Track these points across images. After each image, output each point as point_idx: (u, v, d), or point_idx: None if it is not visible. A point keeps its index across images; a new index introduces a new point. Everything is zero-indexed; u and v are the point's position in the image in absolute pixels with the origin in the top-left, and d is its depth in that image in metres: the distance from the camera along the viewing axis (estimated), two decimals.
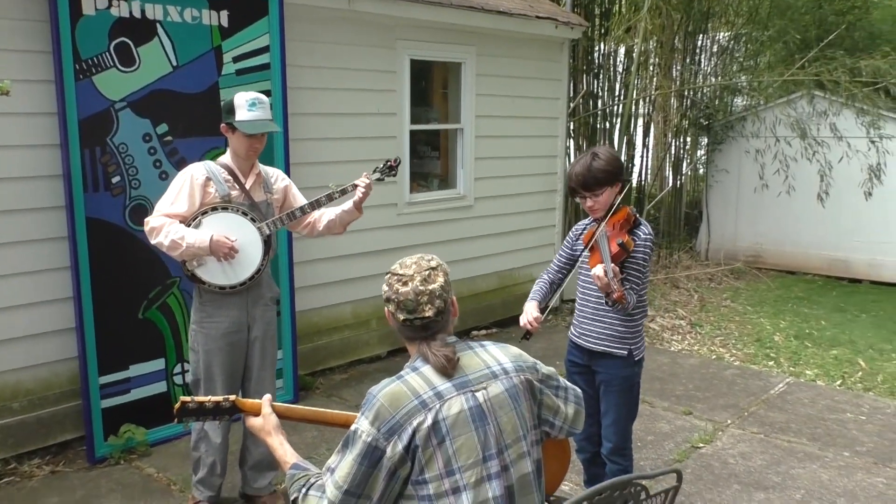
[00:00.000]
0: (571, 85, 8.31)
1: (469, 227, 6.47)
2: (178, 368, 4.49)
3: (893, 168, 8.12)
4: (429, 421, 1.79)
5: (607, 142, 9.50)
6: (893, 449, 4.41)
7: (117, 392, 4.24)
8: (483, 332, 6.70)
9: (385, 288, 1.98)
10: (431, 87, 6.69)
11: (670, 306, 7.64)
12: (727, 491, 3.89)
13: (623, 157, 9.28)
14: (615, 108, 9.46)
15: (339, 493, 1.80)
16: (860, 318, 7.34)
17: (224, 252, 3.22)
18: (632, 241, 2.98)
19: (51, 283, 4.06)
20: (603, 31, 9.26)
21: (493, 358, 1.97)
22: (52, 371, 4.14)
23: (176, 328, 4.45)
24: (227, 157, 3.40)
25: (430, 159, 6.75)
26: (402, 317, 1.93)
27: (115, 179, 4.15)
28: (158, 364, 4.42)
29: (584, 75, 9.35)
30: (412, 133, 5.95)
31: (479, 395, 1.87)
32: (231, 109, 3.26)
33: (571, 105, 8.39)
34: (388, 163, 3.64)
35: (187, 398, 2.10)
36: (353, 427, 1.85)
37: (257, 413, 2.10)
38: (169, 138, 4.33)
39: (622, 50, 9.86)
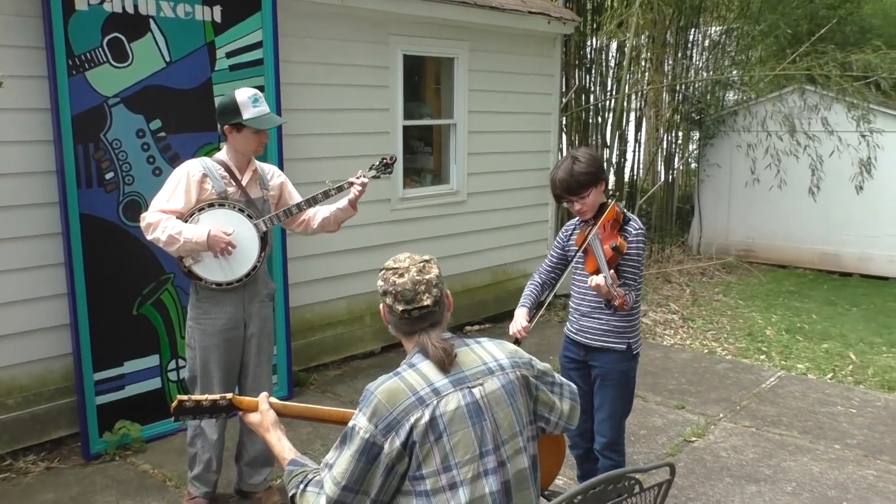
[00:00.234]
0: (564, 80, 8.33)
1: (462, 223, 6.48)
2: (172, 364, 4.49)
3: (884, 162, 8.17)
4: (426, 417, 1.81)
5: (600, 136, 9.53)
6: (883, 441, 4.45)
7: (112, 388, 4.24)
8: (476, 327, 6.72)
9: (381, 282, 1.98)
10: (424, 82, 6.69)
11: (662, 301, 7.68)
12: (719, 484, 3.93)
13: (615, 152, 9.31)
14: (607, 102, 9.48)
15: (338, 488, 1.81)
16: (851, 312, 7.39)
17: (221, 247, 3.21)
18: (624, 242, 2.99)
19: (45, 279, 4.06)
20: (595, 26, 9.27)
21: (490, 354, 1.98)
22: (47, 367, 4.14)
23: (170, 324, 4.45)
24: (223, 154, 3.40)
25: (423, 155, 6.76)
26: (400, 308, 1.94)
27: (109, 175, 4.14)
28: (153, 360, 4.42)
29: (577, 70, 9.38)
30: (405, 128, 5.95)
31: (475, 391, 1.88)
32: (235, 109, 3.24)
33: (564, 100, 8.41)
34: (384, 160, 3.64)
35: (184, 397, 2.09)
36: (350, 423, 1.86)
37: (254, 411, 2.11)
38: (162, 134, 4.33)
39: (614, 45, 9.86)
